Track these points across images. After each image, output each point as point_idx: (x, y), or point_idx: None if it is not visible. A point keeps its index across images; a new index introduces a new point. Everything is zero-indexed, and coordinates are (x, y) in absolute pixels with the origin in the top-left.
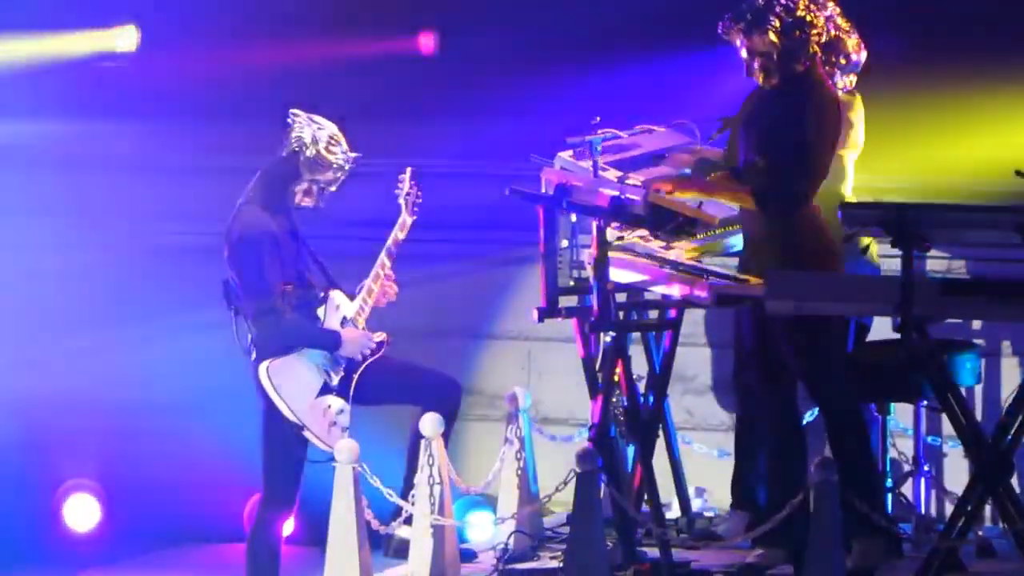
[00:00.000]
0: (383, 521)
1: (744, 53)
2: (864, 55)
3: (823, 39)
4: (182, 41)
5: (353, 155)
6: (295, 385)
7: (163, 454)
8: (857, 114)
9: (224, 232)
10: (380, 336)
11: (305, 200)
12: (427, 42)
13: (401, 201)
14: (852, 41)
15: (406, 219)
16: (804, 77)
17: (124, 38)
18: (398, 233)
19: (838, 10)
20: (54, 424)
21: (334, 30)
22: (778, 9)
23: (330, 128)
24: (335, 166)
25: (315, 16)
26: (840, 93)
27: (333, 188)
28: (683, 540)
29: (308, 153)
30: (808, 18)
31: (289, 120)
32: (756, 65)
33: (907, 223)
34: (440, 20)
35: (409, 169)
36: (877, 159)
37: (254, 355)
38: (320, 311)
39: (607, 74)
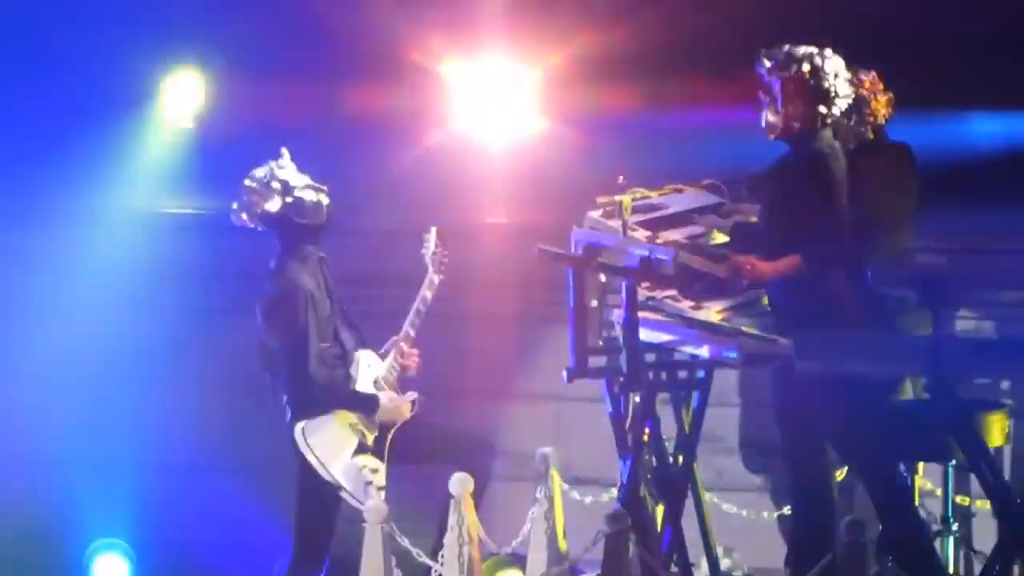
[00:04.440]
0: None
1: (763, 91)
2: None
3: (841, 109)
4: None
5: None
6: (331, 445)
7: (192, 513)
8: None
9: (259, 291)
10: (411, 396)
11: (317, 211)
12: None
13: (427, 260)
14: (882, 100)
15: (433, 278)
16: (815, 151)
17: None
18: (426, 292)
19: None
20: (85, 483)
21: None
22: (818, 60)
23: (246, 182)
24: (272, 176)
25: (336, 70)
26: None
27: (298, 176)
28: None
29: (261, 199)
30: (835, 85)
31: (241, 223)
32: (767, 104)
33: (937, 283)
34: None
35: (434, 228)
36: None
37: (289, 415)
38: (351, 370)
39: (635, 131)
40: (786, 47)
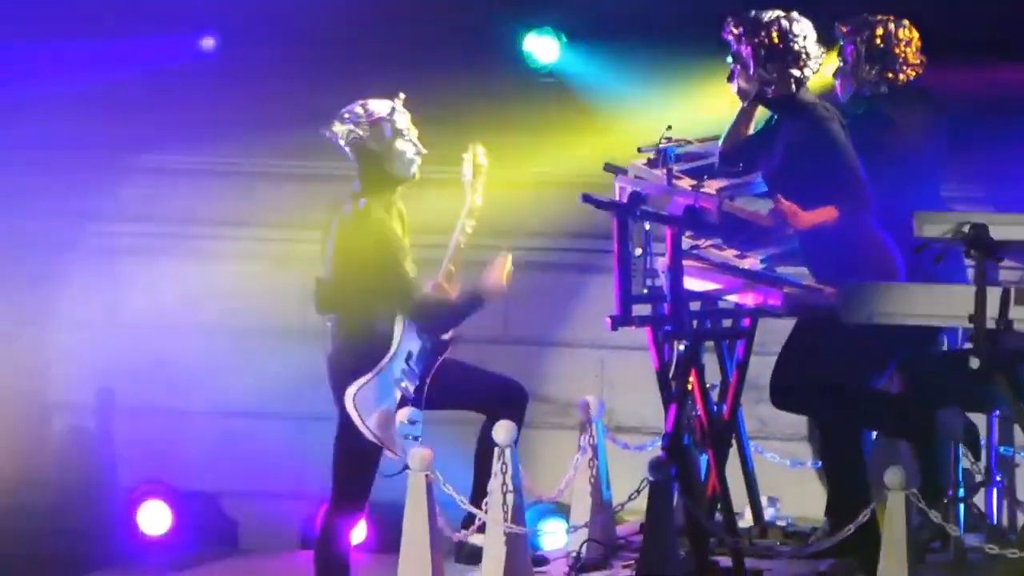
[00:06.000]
0: (456, 527)
1: (733, 58)
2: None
3: (813, 70)
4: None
5: (391, 101)
6: (377, 408)
7: (235, 460)
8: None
9: (333, 234)
10: (504, 255)
11: (408, 168)
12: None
13: (466, 183)
14: (914, 62)
15: (473, 204)
16: (804, 108)
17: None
18: (465, 222)
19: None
20: (129, 431)
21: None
22: (786, 24)
23: (358, 108)
24: (386, 117)
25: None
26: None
27: (409, 129)
28: (755, 548)
29: (364, 133)
30: (805, 47)
31: (330, 136)
32: (738, 71)
33: (981, 233)
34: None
35: (473, 145)
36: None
37: (337, 362)
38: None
39: (679, 82)
40: (753, 12)
